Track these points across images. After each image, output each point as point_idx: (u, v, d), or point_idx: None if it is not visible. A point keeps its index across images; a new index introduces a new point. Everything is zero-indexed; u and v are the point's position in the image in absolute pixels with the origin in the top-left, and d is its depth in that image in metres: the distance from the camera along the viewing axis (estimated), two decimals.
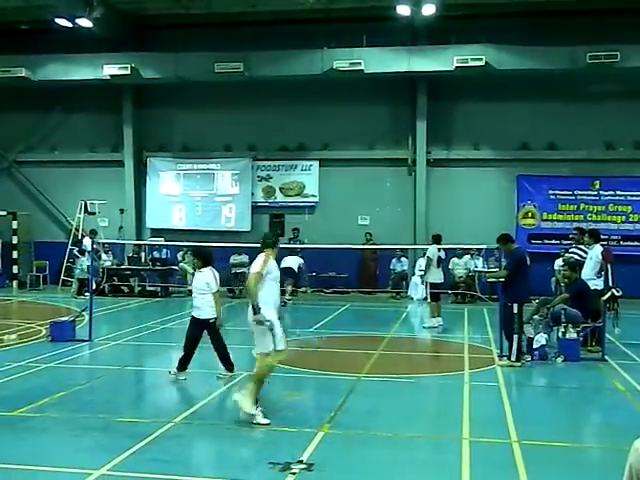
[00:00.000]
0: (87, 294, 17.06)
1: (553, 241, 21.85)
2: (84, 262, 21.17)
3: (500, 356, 12.07)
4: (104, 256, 21.96)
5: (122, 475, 6.53)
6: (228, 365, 10.45)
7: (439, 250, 16.07)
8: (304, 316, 17.39)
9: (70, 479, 6.22)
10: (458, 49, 20.63)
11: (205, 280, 10.32)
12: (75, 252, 22.08)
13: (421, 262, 20.96)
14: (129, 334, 14.31)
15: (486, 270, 11.79)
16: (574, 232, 15.26)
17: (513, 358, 11.43)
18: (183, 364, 10.34)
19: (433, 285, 15.96)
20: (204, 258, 10.64)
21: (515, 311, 11.40)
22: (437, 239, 16.26)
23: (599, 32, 20.29)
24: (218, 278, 10.44)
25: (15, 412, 8.40)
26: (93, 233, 21.38)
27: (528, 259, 11.86)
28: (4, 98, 24.05)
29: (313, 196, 23.86)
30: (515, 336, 11.41)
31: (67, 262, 23.10)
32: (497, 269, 13.81)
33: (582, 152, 21.96)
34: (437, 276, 16.02)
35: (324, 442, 7.43)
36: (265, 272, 8.16)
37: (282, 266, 19.03)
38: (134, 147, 24.47)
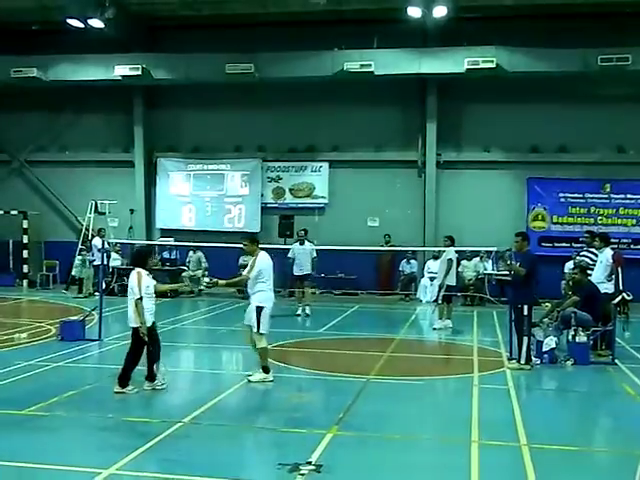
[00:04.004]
0: (97, 293, 17.09)
1: (563, 244, 21.79)
2: (78, 261, 21.63)
3: (509, 359, 12.02)
4: (114, 255, 22.01)
5: (131, 474, 6.55)
6: (122, 381, 9.56)
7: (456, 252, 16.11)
8: (313, 317, 17.37)
9: (79, 478, 6.24)
10: (469, 51, 20.57)
11: (130, 284, 9.66)
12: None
13: (430, 264, 20.90)
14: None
15: (510, 265, 11.59)
16: (585, 235, 15.21)
17: (522, 361, 11.39)
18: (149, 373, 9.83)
19: (449, 287, 15.92)
20: (133, 258, 10.00)
21: (525, 313, 11.36)
22: (453, 241, 16.21)
23: (611, 35, 20.23)
24: (143, 283, 9.54)
25: (24, 411, 8.43)
26: (101, 232, 21.49)
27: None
28: (16, 98, 24.12)
29: (323, 197, 23.85)
30: (525, 338, 11.37)
31: None
32: (508, 272, 13.78)
33: (593, 155, 21.88)
34: (453, 278, 16.00)
35: (333, 444, 7.42)
36: None
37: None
38: (144, 148, 24.55)
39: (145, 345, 9.61)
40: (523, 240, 11.90)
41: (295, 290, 18.56)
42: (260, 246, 10.61)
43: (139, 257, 10.13)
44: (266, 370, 10.33)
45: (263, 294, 10.31)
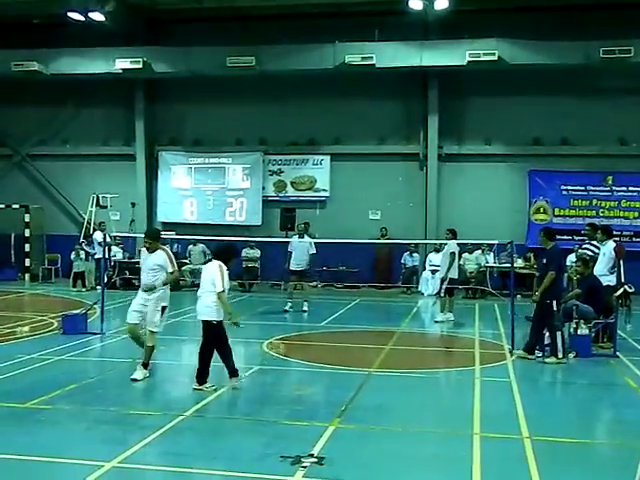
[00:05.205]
0: (99, 287, 17.12)
1: (565, 237, 21.67)
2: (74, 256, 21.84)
3: (511, 351, 12.03)
4: (115, 248, 22.02)
5: (133, 467, 6.56)
6: (200, 377, 9.39)
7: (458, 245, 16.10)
8: (314, 310, 17.37)
9: (81, 471, 6.24)
10: (470, 44, 20.50)
11: (209, 276, 9.30)
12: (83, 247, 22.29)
13: (432, 257, 20.87)
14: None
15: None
16: (587, 228, 15.16)
17: (560, 355, 11.37)
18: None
19: (451, 280, 15.89)
20: (219, 251, 9.64)
21: (554, 308, 11.38)
22: (455, 234, 16.16)
23: (613, 27, 20.14)
24: (227, 277, 9.28)
25: (27, 404, 8.44)
26: (102, 225, 21.47)
27: None
28: (17, 92, 24.11)
29: (324, 190, 23.82)
30: (558, 333, 11.39)
31: None
32: (508, 264, 13.79)
33: (595, 147, 21.83)
34: (455, 271, 15.98)
35: (335, 436, 7.43)
36: None
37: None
38: (146, 141, 24.53)
39: (222, 340, 9.30)
40: (544, 236, 11.96)
41: (289, 284, 18.11)
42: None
43: (225, 252, 9.61)
44: (146, 366, 9.94)
45: (166, 292, 10.06)
